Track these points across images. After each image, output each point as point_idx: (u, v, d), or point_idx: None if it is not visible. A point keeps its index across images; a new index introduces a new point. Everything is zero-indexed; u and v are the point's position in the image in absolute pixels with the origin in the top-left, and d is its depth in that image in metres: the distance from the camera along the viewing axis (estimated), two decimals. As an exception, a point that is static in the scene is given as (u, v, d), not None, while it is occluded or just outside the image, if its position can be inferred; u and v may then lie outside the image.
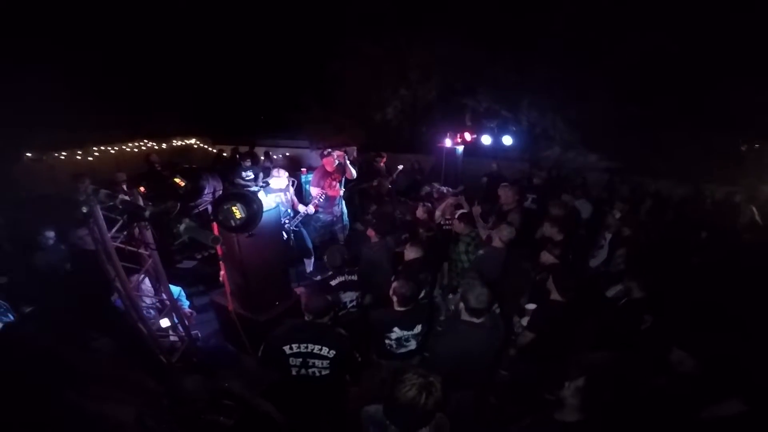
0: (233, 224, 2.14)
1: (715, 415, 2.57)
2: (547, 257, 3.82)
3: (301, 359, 2.53)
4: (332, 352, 2.51)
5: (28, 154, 8.62)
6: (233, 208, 2.12)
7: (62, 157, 9.16)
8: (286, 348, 2.49)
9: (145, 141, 11.07)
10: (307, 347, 2.49)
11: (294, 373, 2.55)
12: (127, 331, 3.76)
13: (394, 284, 2.99)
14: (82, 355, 4.07)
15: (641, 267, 4.29)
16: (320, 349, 2.50)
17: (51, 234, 4.49)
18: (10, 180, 7.42)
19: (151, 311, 3.81)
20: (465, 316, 2.72)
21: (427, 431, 2.02)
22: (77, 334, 4.12)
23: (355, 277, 3.51)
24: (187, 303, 4.24)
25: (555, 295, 3.21)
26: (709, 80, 8.29)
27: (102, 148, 10.05)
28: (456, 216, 4.49)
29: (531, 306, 3.53)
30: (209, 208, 2.79)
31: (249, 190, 2.68)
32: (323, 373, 2.55)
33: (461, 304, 2.72)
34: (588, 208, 5.46)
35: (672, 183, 8.38)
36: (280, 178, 4.21)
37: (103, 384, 3.82)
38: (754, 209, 5.82)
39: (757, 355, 2.96)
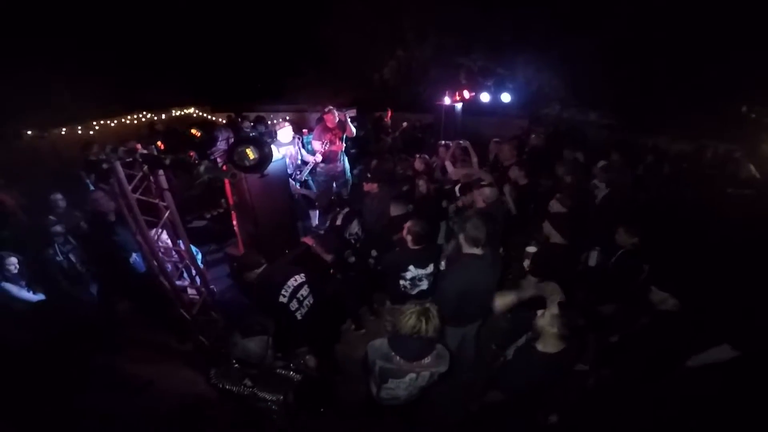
0: (247, 164, 2.32)
1: (702, 363, 2.67)
2: (558, 207, 3.87)
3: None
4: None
5: (29, 132, 8.68)
6: (247, 149, 2.30)
7: (63, 133, 9.21)
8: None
9: (144, 113, 11.08)
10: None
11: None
12: (147, 291, 3.99)
13: (408, 224, 3.14)
14: (106, 319, 4.35)
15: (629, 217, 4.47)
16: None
17: (59, 196, 4.52)
18: (12, 158, 7.48)
19: (169, 266, 4.05)
20: (466, 249, 2.85)
21: (429, 360, 2.24)
22: (100, 299, 4.35)
23: (347, 209, 3.82)
24: (201, 263, 4.38)
25: (555, 238, 3.35)
26: (711, 42, 8.21)
27: (102, 122, 10.09)
28: (457, 188, 4.46)
29: (532, 249, 3.61)
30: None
31: (260, 137, 2.86)
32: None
33: (461, 236, 2.85)
34: (581, 157, 5.58)
35: (670, 139, 8.42)
36: (286, 129, 4.33)
37: (128, 346, 4.12)
38: (752, 166, 5.96)
39: (745, 301, 3.11)
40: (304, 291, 2.87)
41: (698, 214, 4.86)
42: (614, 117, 9.61)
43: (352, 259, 3.76)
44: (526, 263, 3.58)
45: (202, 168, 2.26)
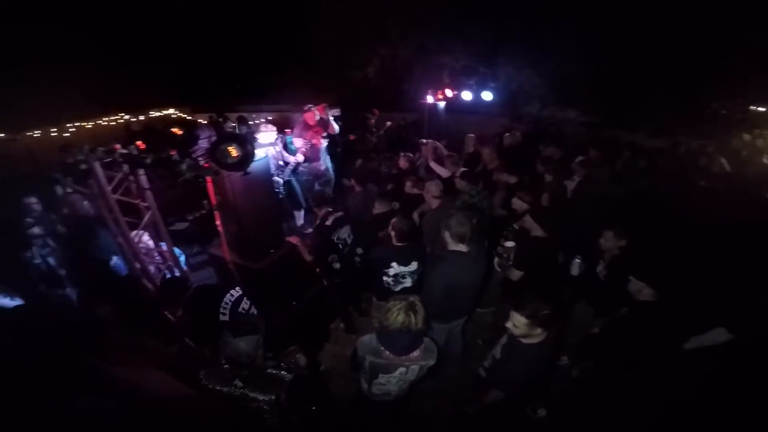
0: (229, 161, 2.32)
1: (699, 345, 2.76)
2: (519, 204, 3.94)
3: None
4: None
5: (2, 135, 8.40)
6: (229, 147, 2.29)
7: (36, 136, 8.94)
8: None
9: (122, 114, 10.83)
10: None
11: None
12: (129, 294, 3.92)
13: (393, 220, 3.16)
14: (87, 323, 4.25)
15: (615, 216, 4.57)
16: None
17: (33, 200, 4.39)
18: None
19: (152, 268, 4.00)
20: (452, 246, 2.85)
21: (418, 354, 2.26)
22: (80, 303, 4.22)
23: (341, 213, 3.71)
24: (184, 265, 4.33)
25: (536, 232, 3.35)
26: (684, 40, 8.50)
27: (77, 124, 9.82)
28: (459, 174, 4.52)
29: (510, 244, 3.71)
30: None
31: (243, 134, 2.85)
32: None
33: (446, 234, 2.85)
34: (559, 154, 5.71)
35: (646, 136, 8.68)
36: (268, 133, 4.34)
37: (111, 349, 4.03)
38: (723, 160, 6.20)
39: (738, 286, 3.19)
40: (245, 304, 2.83)
41: (671, 206, 5.02)
42: (592, 114, 9.86)
43: (337, 265, 3.70)
44: (499, 259, 3.70)
45: (184, 166, 2.24)
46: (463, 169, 4.73)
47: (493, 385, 2.54)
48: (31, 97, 8.75)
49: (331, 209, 3.69)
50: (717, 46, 8.51)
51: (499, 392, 2.49)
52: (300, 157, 5.31)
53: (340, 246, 3.66)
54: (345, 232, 3.67)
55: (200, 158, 2.74)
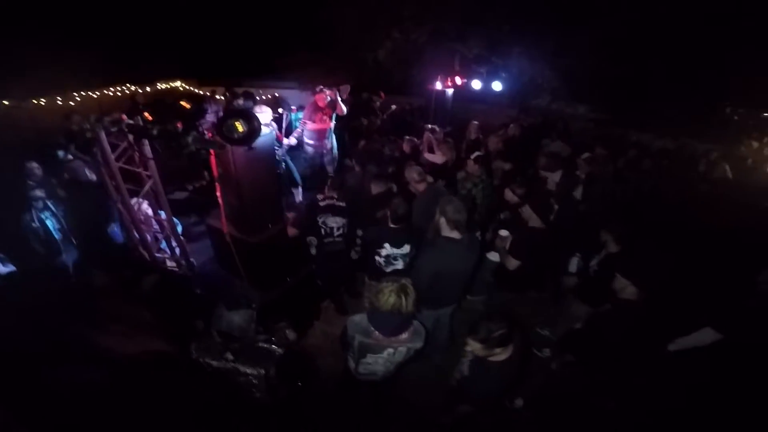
0: (236, 136, 2.33)
1: (685, 346, 2.79)
2: (510, 196, 3.96)
3: None
4: None
5: (6, 102, 8.36)
6: (236, 122, 2.30)
7: (42, 104, 8.90)
8: None
9: (128, 85, 10.76)
10: None
11: None
12: (125, 262, 3.96)
13: (393, 201, 3.20)
14: (82, 290, 4.30)
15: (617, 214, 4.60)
16: None
17: (35, 164, 4.35)
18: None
19: (149, 237, 4.01)
20: (446, 232, 2.85)
21: (406, 336, 2.30)
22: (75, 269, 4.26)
23: (343, 204, 3.69)
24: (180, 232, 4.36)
25: (534, 222, 3.36)
26: (702, 43, 8.34)
27: (83, 93, 9.76)
28: (472, 157, 4.55)
29: (504, 233, 3.71)
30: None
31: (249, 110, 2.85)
32: None
33: (441, 220, 2.86)
34: (567, 150, 5.68)
35: (653, 136, 8.62)
36: (263, 113, 4.32)
37: (103, 318, 4.09)
38: (727, 167, 6.17)
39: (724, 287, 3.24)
40: None
41: (669, 207, 5.04)
42: (602, 111, 9.76)
43: (313, 250, 3.72)
44: (498, 247, 3.68)
45: (189, 138, 2.26)
46: (477, 153, 4.74)
47: (464, 400, 2.57)
48: (38, 67, 8.70)
49: (335, 196, 3.67)
50: (735, 50, 8.35)
51: (467, 407, 2.54)
52: (293, 140, 5.36)
53: (322, 231, 3.67)
54: (334, 222, 3.66)
55: (205, 131, 2.75)
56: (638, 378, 2.95)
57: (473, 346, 2.17)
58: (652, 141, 8.40)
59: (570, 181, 4.75)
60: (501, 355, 2.18)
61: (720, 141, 8.04)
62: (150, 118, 2.67)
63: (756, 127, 9.39)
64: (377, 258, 3.30)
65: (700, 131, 8.57)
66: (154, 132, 2.45)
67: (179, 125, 2.47)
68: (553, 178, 4.72)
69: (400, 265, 3.32)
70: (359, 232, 3.80)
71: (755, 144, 8.10)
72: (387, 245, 3.22)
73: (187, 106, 2.55)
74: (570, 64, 9.03)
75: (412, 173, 3.98)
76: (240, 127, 2.29)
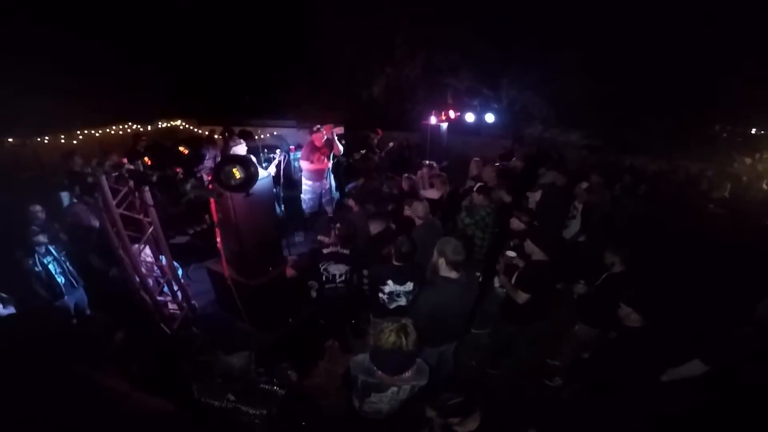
0: (233, 183, 2.36)
1: (676, 377, 2.76)
2: (517, 224, 4.03)
3: None
4: None
5: (10, 140, 8.52)
6: (233, 169, 2.34)
7: (46, 142, 9.06)
8: None
9: (130, 123, 10.96)
10: None
11: None
12: (128, 305, 3.94)
13: (398, 239, 3.22)
14: (85, 332, 4.24)
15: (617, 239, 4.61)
16: None
17: (38, 208, 4.30)
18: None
19: (150, 281, 4.01)
20: (444, 272, 2.87)
21: (410, 374, 2.30)
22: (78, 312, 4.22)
23: (347, 252, 3.68)
24: (181, 276, 4.36)
25: (537, 255, 3.38)
26: (683, 63, 8.61)
27: (86, 131, 9.96)
28: (475, 189, 4.63)
29: (511, 254, 3.78)
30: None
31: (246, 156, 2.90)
32: None
33: (440, 260, 2.88)
34: (562, 179, 5.75)
35: (648, 159, 8.74)
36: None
37: (107, 359, 4.02)
38: (728, 185, 6.21)
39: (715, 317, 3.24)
40: None
41: (669, 231, 5.05)
42: (594, 137, 9.93)
43: (314, 293, 3.71)
44: (502, 266, 3.72)
45: (188, 186, 2.29)
46: (479, 184, 4.82)
47: None
48: (40, 104, 8.92)
49: (339, 243, 3.67)
50: (719, 68, 8.59)
51: None
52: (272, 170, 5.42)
53: (324, 277, 3.65)
54: (337, 269, 3.64)
55: (205, 176, 2.79)
56: (644, 405, 2.88)
57: (430, 414, 2.11)
58: (646, 164, 8.49)
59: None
60: (466, 425, 2.06)
61: (711, 159, 8.14)
62: (149, 162, 2.71)
63: (744, 143, 9.52)
64: (381, 295, 3.31)
65: (690, 150, 8.69)
66: (154, 178, 2.48)
67: (178, 170, 2.51)
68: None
69: (403, 301, 3.31)
70: (365, 272, 3.77)
71: (748, 160, 8.18)
72: (390, 282, 3.23)
73: (186, 151, 2.61)
74: (557, 89, 9.26)
75: (419, 210, 4.02)
76: (237, 173, 2.33)
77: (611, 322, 3.11)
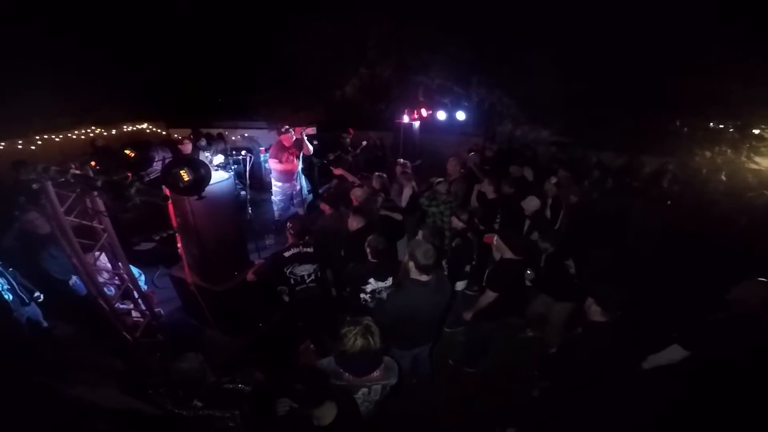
0: (181, 185, 2.27)
1: (657, 364, 2.81)
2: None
3: None
4: None
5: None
6: (181, 171, 2.24)
7: (1, 148, 8.60)
8: None
9: (93, 128, 10.53)
10: None
11: None
12: (88, 314, 3.79)
13: (369, 238, 3.21)
14: (46, 341, 4.06)
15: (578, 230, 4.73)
16: None
17: None
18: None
19: (111, 288, 3.85)
20: (414, 275, 2.82)
21: (378, 374, 2.27)
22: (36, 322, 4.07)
23: (310, 250, 3.59)
24: (144, 285, 4.21)
25: (507, 254, 3.39)
26: (645, 61, 8.88)
27: (45, 136, 9.50)
28: (436, 183, 4.73)
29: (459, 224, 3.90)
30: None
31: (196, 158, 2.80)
32: None
33: (410, 263, 2.82)
34: (531, 173, 5.82)
35: (613, 155, 8.98)
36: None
37: (70, 369, 3.86)
38: (724, 178, 6.40)
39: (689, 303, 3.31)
40: None
41: (632, 223, 5.17)
42: (563, 134, 10.14)
43: (286, 297, 3.63)
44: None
45: (133, 190, 2.18)
46: (439, 179, 4.91)
47: None
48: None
49: (302, 242, 3.58)
50: (679, 65, 8.89)
51: None
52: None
53: (292, 281, 3.56)
54: (304, 270, 3.56)
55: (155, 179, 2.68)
56: (623, 395, 3.00)
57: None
58: (613, 159, 8.73)
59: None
60: (323, 417, 1.97)
61: (673, 153, 8.43)
62: (96, 166, 2.57)
63: (705, 137, 9.89)
64: (362, 296, 3.27)
65: (653, 145, 8.97)
66: (99, 183, 2.35)
67: (129, 175, 2.39)
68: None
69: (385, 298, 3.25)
70: (329, 273, 3.75)
71: (707, 153, 8.52)
72: (372, 280, 3.23)
73: (131, 154, 2.48)
74: (526, 88, 9.41)
75: (357, 192, 4.28)
76: (185, 175, 2.24)
77: (568, 291, 3.66)
